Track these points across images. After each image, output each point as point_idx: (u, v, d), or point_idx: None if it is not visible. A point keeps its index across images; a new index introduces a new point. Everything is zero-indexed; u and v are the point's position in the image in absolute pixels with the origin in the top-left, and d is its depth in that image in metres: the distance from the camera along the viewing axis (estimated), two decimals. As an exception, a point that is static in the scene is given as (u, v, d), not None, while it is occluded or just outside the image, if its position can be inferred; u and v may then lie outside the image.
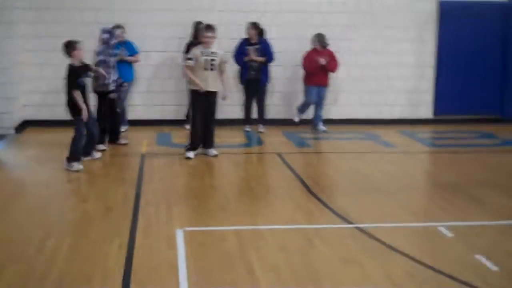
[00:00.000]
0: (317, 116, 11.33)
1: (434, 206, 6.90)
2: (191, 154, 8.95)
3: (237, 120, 11.60)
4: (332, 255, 5.33)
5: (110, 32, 9.35)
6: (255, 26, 10.85)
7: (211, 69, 8.83)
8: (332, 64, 11.03)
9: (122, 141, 9.69)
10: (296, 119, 11.32)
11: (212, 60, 8.80)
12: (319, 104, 11.23)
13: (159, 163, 8.79)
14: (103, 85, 9.10)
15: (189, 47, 10.25)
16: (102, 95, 9.22)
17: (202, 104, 8.91)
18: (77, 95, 8.05)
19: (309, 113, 11.47)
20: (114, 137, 9.56)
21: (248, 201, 7.00)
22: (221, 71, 8.91)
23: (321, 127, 11.26)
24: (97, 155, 8.83)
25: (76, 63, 8.18)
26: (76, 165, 8.16)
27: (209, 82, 8.84)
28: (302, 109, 11.33)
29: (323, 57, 10.91)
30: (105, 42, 9.18)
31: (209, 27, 8.86)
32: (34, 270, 4.93)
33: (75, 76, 8.12)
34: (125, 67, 10.17)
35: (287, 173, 8.33)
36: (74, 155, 8.21)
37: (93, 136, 8.59)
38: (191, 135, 9.07)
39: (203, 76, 8.83)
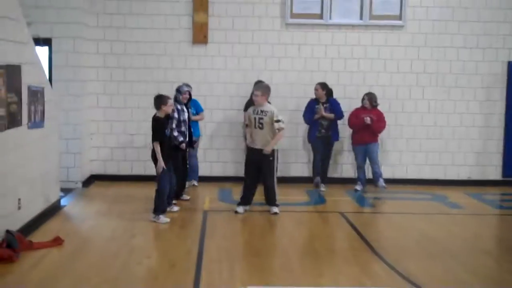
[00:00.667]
0: (374, 173, 11.09)
1: (504, 272, 6.62)
2: (240, 209, 9.05)
3: (301, 178, 11.59)
4: (399, 319, 5.16)
5: (178, 90, 9.61)
6: (323, 86, 10.93)
7: (260, 128, 8.93)
8: (377, 125, 10.90)
9: (185, 197, 9.79)
10: (383, 184, 11.00)
11: (260, 119, 8.91)
12: (371, 161, 11.04)
13: (221, 220, 8.80)
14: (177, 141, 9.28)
15: (247, 105, 10.45)
16: (176, 151, 9.36)
17: (252, 160, 9.02)
18: (157, 146, 8.35)
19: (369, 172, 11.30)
20: (179, 193, 9.66)
21: (311, 261, 6.88)
22: (273, 129, 8.93)
23: (382, 183, 10.98)
24: (175, 208, 9.03)
25: (162, 116, 8.49)
26: (163, 218, 8.42)
27: (256, 140, 8.97)
28: (358, 174, 11.18)
29: (369, 116, 10.82)
30: (175, 100, 9.40)
31: (257, 85, 9.06)
32: (98, 324, 4.96)
33: (161, 127, 8.44)
34: (193, 124, 10.36)
35: (351, 233, 8.19)
36: (160, 208, 8.45)
37: (172, 189, 8.82)
38: (242, 190, 9.17)
39: (253, 134, 9.03)
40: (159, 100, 8.51)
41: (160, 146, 8.40)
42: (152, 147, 8.50)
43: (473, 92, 11.89)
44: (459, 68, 11.84)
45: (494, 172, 12.06)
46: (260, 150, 8.95)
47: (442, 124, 11.91)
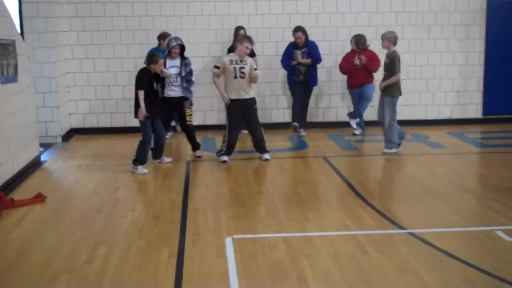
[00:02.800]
0: (355, 109, 10.95)
1: (490, 210, 6.66)
2: (225, 158, 9.03)
3: (282, 124, 11.54)
4: (386, 262, 5.18)
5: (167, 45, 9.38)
6: (302, 30, 10.73)
7: (241, 77, 8.84)
8: (371, 64, 10.70)
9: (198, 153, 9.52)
10: (355, 131, 10.93)
11: (242, 68, 8.83)
12: (362, 100, 10.86)
13: (205, 169, 8.76)
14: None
15: (229, 51, 10.25)
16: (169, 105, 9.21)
17: (237, 110, 8.92)
18: (141, 94, 8.30)
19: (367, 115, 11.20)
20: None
21: (296, 207, 6.87)
22: (251, 79, 8.89)
23: (354, 124, 10.89)
24: (167, 159, 8.96)
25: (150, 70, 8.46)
26: (141, 169, 8.39)
27: (239, 90, 8.89)
28: (352, 114, 11.08)
29: (360, 58, 10.67)
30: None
31: (247, 38, 8.99)
32: (85, 280, 4.94)
33: (144, 77, 8.38)
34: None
35: (335, 178, 8.19)
36: (140, 158, 8.43)
37: (161, 139, 8.77)
38: (227, 140, 9.06)
39: (232, 84, 8.91)
40: (151, 58, 8.49)
41: (145, 99, 8.33)
42: (134, 96, 8.43)
43: (452, 30, 11.80)
44: (438, 5, 11.70)
45: (475, 110, 12.10)
46: (245, 100, 8.87)
47: (422, 63, 11.85)
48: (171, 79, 9.01)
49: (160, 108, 8.69)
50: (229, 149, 9.07)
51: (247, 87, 8.92)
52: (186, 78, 9.10)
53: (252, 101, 9.00)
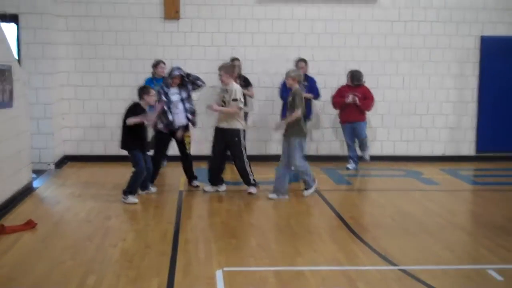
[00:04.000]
0: (360, 147, 11.11)
1: (482, 247, 6.66)
2: (208, 188, 9.13)
3: (276, 156, 11.52)
4: (378, 299, 5.15)
5: (169, 74, 9.31)
6: (305, 61, 10.80)
7: (222, 106, 8.90)
8: (363, 103, 10.77)
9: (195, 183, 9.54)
10: (349, 165, 11.04)
11: (223, 97, 8.89)
12: (360, 142, 10.97)
13: (197, 200, 8.74)
14: (167, 125, 9.12)
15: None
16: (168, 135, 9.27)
17: (218, 139, 9.03)
18: (131, 120, 8.29)
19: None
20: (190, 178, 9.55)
21: (288, 241, 6.84)
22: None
23: (366, 156, 11.06)
24: (153, 189, 8.95)
25: (142, 104, 8.45)
26: (131, 198, 8.36)
27: (221, 119, 8.97)
28: (348, 152, 11.12)
29: (353, 94, 10.71)
30: (165, 83, 9.21)
31: (220, 65, 9.07)
32: (73, 310, 4.88)
33: (135, 111, 8.35)
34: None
35: (327, 212, 8.18)
36: (131, 189, 8.39)
37: (149, 170, 8.71)
38: (207, 170, 9.19)
39: (219, 113, 9.01)
40: (143, 90, 8.48)
41: (136, 130, 8.38)
42: (121, 137, 8.49)
43: (447, 66, 11.91)
44: (432, 42, 11.83)
45: (468, 147, 12.15)
46: (225, 130, 8.90)
47: (417, 99, 11.94)
48: (175, 106, 9.07)
49: (145, 142, 8.70)
50: (210, 178, 9.13)
51: (228, 116, 8.88)
52: (194, 83, 9.25)
53: (232, 132, 8.90)
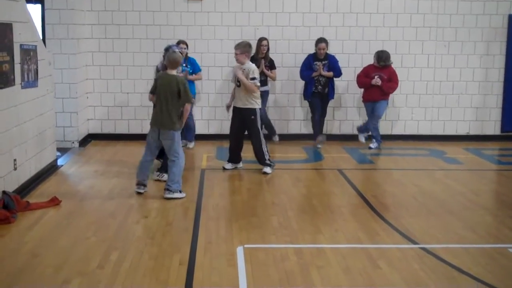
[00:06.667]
0: (364, 125, 11.10)
1: (504, 227, 6.61)
2: (228, 165, 9.26)
3: (299, 135, 11.57)
4: (397, 277, 5.16)
5: (166, 49, 9.28)
6: (325, 41, 10.74)
7: (238, 85, 8.94)
8: (387, 86, 10.67)
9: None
10: (362, 139, 11.10)
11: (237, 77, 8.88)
12: (372, 116, 10.86)
13: (219, 178, 8.78)
14: None
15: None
16: None
17: (234, 118, 9.13)
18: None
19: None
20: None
21: (309, 219, 6.87)
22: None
23: (362, 139, 11.09)
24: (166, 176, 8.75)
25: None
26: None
27: (236, 98, 9.03)
28: (363, 127, 11.11)
29: (378, 75, 10.64)
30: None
31: (236, 44, 9.03)
32: (96, 284, 4.97)
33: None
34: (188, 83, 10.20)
35: (349, 190, 8.18)
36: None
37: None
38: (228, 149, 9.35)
39: (235, 92, 9.09)
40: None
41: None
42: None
43: (472, 46, 11.74)
44: (458, 21, 11.66)
45: (493, 127, 12.01)
46: (242, 109, 8.93)
47: (441, 78, 11.81)
48: None
49: None
50: (230, 157, 9.28)
51: (243, 96, 8.88)
52: None
53: (248, 111, 8.90)
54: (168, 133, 7.64)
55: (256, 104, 8.94)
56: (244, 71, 8.83)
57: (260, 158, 9.08)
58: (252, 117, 8.91)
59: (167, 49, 8.74)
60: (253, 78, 8.81)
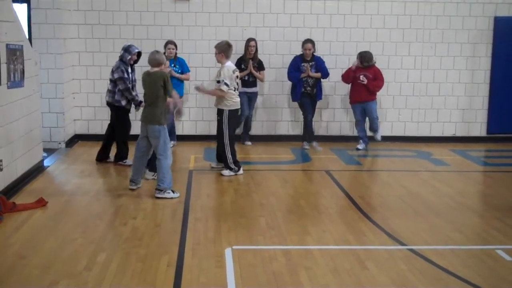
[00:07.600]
0: (370, 128, 11.10)
1: (491, 228, 6.65)
2: (214, 164, 9.34)
3: (286, 136, 11.58)
4: (385, 278, 5.17)
5: (126, 49, 9.20)
6: (312, 42, 10.76)
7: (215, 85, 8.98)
8: (372, 84, 10.73)
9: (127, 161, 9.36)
10: (378, 137, 11.08)
11: (216, 76, 8.90)
12: (370, 120, 10.96)
13: (207, 179, 8.76)
14: (116, 101, 9.21)
15: (238, 62, 10.52)
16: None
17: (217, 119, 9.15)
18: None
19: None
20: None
21: (297, 220, 6.87)
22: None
23: (378, 137, 11.08)
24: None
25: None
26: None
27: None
28: (357, 132, 11.12)
29: (363, 75, 10.69)
30: (120, 59, 9.17)
31: (216, 44, 8.95)
32: (84, 286, 4.94)
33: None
34: (176, 83, 10.18)
35: (336, 192, 8.19)
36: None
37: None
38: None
39: None
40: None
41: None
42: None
43: (459, 48, 11.82)
44: (445, 23, 11.73)
45: (479, 128, 12.09)
46: (217, 109, 8.97)
47: (428, 80, 11.88)
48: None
49: None
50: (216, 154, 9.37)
51: (217, 96, 8.89)
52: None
53: (218, 112, 8.90)
54: (153, 128, 7.66)
55: (226, 105, 8.78)
56: (218, 72, 8.81)
57: (224, 160, 8.97)
58: (219, 118, 8.88)
59: (125, 49, 9.00)
60: (218, 81, 8.71)
